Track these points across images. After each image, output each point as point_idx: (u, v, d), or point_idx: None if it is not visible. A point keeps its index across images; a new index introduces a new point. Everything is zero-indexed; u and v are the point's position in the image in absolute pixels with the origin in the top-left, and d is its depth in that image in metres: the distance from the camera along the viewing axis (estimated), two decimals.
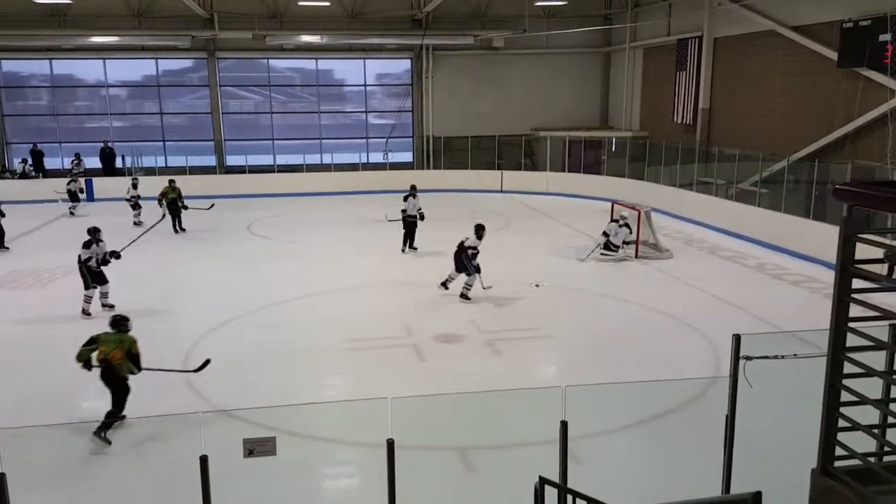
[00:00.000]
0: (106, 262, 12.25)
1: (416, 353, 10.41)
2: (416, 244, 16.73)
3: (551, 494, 4.99)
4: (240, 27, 25.66)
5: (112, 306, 12.10)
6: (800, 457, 4.60)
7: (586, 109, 29.41)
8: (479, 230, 13.06)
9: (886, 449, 4.06)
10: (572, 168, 26.24)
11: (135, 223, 19.96)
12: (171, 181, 19.44)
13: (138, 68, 27.77)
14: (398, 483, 5.08)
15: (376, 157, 28.49)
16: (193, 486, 4.88)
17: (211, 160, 27.90)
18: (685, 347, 10.59)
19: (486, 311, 12.26)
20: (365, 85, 29.11)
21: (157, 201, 19.31)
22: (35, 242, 18.07)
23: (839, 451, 4.06)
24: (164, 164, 27.08)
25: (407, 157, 29.23)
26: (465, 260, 12.71)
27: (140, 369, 7.95)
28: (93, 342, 7.97)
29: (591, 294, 13.45)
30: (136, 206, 20.23)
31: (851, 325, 3.93)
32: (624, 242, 15.87)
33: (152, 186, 20.30)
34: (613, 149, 26.11)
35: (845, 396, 3.99)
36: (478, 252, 12.85)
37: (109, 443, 7.55)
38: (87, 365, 7.93)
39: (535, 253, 16.55)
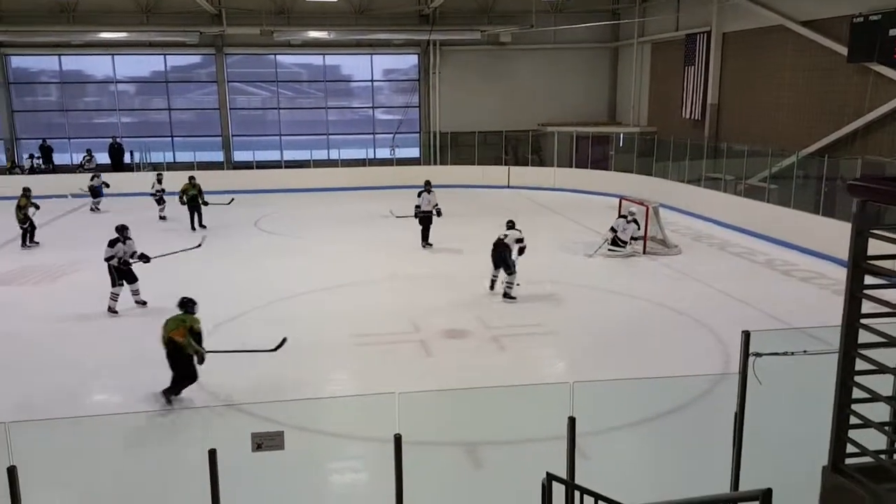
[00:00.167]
0: (127, 264, 11.91)
1: (423, 348, 10.41)
2: (430, 241, 16.63)
3: (559, 491, 4.96)
4: (247, 23, 25.66)
5: (144, 303, 12.06)
6: (810, 454, 4.57)
7: (594, 105, 29.32)
8: (514, 223, 12.97)
9: None
10: (580, 164, 26.20)
11: (160, 217, 20.07)
12: (192, 178, 19.18)
13: (146, 64, 27.87)
14: (406, 478, 5.08)
15: (383, 153, 28.49)
16: (202, 480, 4.89)
17: (219, 156, 28.00)
18: (694, 344, 10.56)
19: (492, 307, 12.25)
20: (372, 80, 29.11)
21: (178, 198, 19.07)
22: (44, 238, 18.10)
23: (850, 449, 4.02)
24: (172, 160, 27.17)
25: (414, 152, 29.21)
26: (511, 256, 12.49)
27: (202, 347, 8.34)
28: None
29: (599, 290, 13.42)
30: (160, 201, 20.30)
31: (863, 321, 3.89)
32: (632, 238, 15.83)
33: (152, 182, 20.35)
34: (621, 144, 26.03)
35: (857, 393, 3.96)
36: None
37: (170, 402, 8.26)
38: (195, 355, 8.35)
39: (543, 249, 16.46)
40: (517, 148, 28.07)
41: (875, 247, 3.82)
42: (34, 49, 26.77)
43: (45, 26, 25.17)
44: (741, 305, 12.28)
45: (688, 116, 23.67)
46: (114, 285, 11.84)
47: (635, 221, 15.82)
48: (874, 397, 3.96)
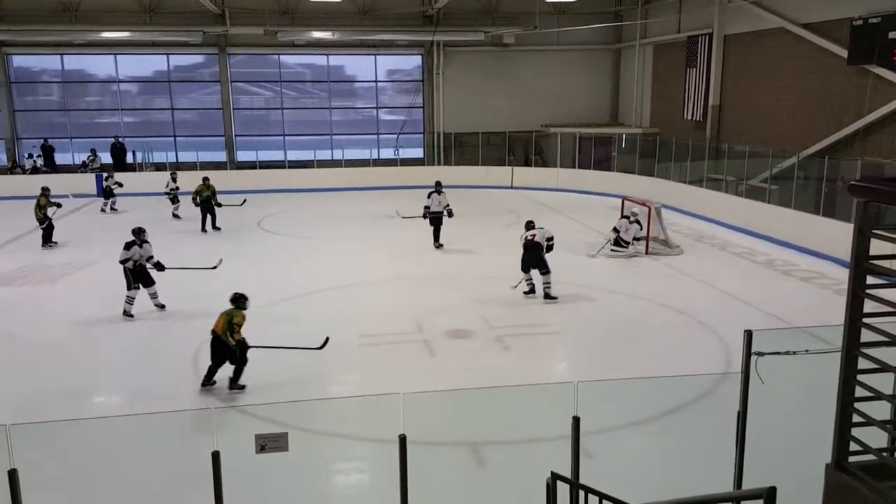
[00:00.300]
0: (142, 268, 11.69)
1: (427, 348, 10.44)
2: (440, 241, 16.60)
3: (563, 490, 4.99)
4: (251, 23, 25.68)
5: (162, 307, 11.92)
6: (812, 452, 4.61)
7: (596, 106, 29.34)
8: (533, 223, 13.00)
9: None
10: (582, 164, 26.23)
11: (174, 216, 20.12)
12: (206, 179, 19.05)
13: (149, 64, 27.87)
14: (410, 479, 5.11)
15: (387, 153, 28.51)
16: (205, 482, 4.92)
17: (222, 156, 28.02)
18: (696, 343, 10.59)
19: (495, 307, 12.26)
20: (376, 81, 29.12)
21: (191, 200, 18.97)
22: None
23: (853, 447, 4.06)
24: (174, 160, 27.21)
25: (417, 153, 29.25)
26: (544, 254, 12.49)
27: (238, 338, 8.66)
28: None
29: (601, 290, 13.44)
30: (174, 200, 20.34)
31: (866, 320, 3.93)
32: (634, 239, 15.86)
33: (155, 182, 20.32)
34: (623, 145, 26.07)
35: (859, 392, 4.00)
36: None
37: (243, 388, 8.71)
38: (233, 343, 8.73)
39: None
40: (524, 147, 28.09)
41: (875, 247, 3.87)
42: (36, 48, 26.80)
43: (47, 26, 25.19)
44: (743, 305, 12.31)
45: (689, 118, 23.70)
46: (129, 289, 11.59)
47: (638, 222, 15.86)
48: (877, 395, 4.00)
